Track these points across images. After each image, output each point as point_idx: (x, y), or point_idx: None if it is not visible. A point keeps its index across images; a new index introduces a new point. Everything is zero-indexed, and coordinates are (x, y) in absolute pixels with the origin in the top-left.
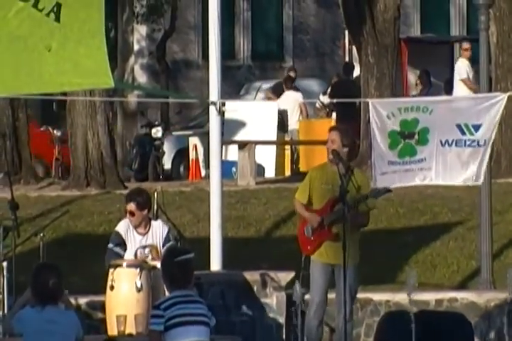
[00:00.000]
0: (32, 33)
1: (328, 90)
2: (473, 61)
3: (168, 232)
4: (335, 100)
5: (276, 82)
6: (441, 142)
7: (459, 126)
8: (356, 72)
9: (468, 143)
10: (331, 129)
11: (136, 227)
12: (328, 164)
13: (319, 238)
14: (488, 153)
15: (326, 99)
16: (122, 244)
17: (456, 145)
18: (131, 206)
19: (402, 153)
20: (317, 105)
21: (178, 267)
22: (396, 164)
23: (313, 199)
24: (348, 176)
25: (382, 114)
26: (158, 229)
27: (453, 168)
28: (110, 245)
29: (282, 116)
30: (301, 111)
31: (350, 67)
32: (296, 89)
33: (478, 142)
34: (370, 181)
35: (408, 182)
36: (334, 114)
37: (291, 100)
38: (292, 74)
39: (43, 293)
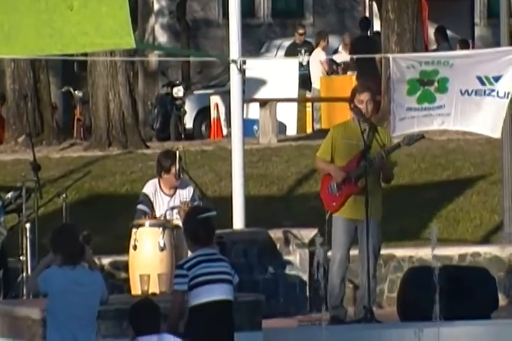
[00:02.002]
0: None
1: (340, 48)
2: (494, 15)
3: (193, 192)
4: (354, 56)
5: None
6: (460, 91)
7: (479, 78)
8: (375, 28)
9: (487, 92)
10: (363, 91)
11: (168, 188)
12: (350, 121)
13: (345, 192)
14: (506, 106)
15: (339, 57)
16: (150, 204)
17: (475, 94)
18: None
19: (421, 99)
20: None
21: (200, 225)
22: (414, 110)
23: (336, 156)
24: (372, 133)
25: (402, 66)
26: (185, 190)
27: (471, 116)
28: (139, 206)
29: (308, 74)
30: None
31: (366, 21)
32: (324, 47)
33: (497, 92)
34: (392, 138)
35: (426, 127)
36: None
37: (316, 59)
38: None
39: (66, 254)
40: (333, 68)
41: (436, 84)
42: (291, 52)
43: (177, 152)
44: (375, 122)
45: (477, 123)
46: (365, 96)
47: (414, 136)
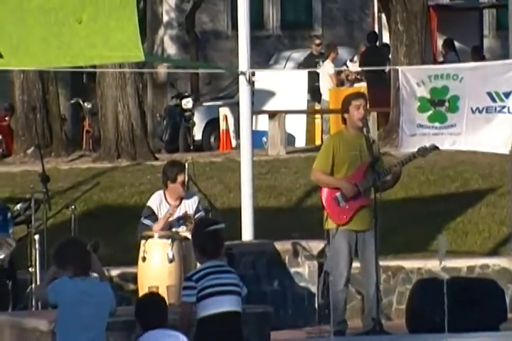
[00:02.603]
0: (63, 6)
1: (355, 58)
2: (502, 27)
3: (198, 203)
4: (365, 68)
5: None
6: (471, 109)
7: (489, 94)
8: (384, 40)
9: (498, 109)
10: (357, 96)
11: (174, 199)
12: (345, 131)
13: (356, 205)
14: None
15: (353, 67)
16: (153, 216)
17: (486, 111)
18: (183, 177)
19: (432, 119)
20: (344, 71)
21: (208, 237)
22: (426, 127)
23: (338, 167)
24: (369, 141)
25: (411, 81)
26: (190, 200)
27: (483, 134)
28: (142, 218)
29: (318, 85)
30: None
31: (374, 34)
32: (333, 59)
33: (508, 109)
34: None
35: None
36: (361, 83)
37: (325, 71)
38: (318, 41)
39: (79, 266)
40: (342, 80)
41: (447, 104)
42: (309, 63)
43: (186, 164)
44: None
45: (488, 142)
46: (361, 102)
47: (429, 146)
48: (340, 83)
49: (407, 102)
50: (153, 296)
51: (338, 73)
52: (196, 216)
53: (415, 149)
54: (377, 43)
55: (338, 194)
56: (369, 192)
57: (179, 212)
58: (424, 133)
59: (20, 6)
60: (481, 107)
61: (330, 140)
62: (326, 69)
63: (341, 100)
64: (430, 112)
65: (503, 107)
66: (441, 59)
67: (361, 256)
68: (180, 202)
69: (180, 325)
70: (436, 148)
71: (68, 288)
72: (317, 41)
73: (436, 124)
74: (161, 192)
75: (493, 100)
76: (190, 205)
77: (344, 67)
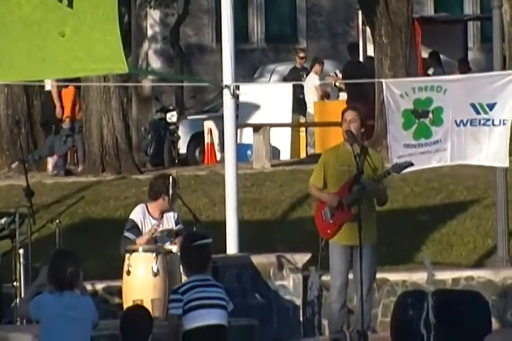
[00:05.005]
0: (45, 19)
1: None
2: (487, 39)
3: (177, 215)
4: (348, 81)
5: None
6: (455, 122)
7: (473, 106)
8: (369, 53)
9: (482, 122)
10: (348, 109)
11: (157, 213)
12: (341, 145)
13: (339, 220)
14: (507, 133)
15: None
16: (136, 229)
17: (471, 124)
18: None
19: (417, 135)
20: (333, 77)
21: (196, 252)
22: (411, 147)
23: (329, 181)
24: (363, 156)
25: (395, 93)
26: (170, 213)
27: (468, 148)
28: (125, 232)
29: (304, 98)
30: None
31: (354, 47)
32: (316, 72)
33: (493, 121)
34: (384, 161)
35: (425, 165)
36: (343, 94)
37: (310, 84)
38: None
39: (61, 279)
40: (327, 92)
41: (430, 115)
42: (294, 76)
43: (174, 177)
44: (366, 145)
45: (476, 155)
46: (348, 115)
47: (403, 163)
48: (325, 94)
49: (392, 119)
50: (139, 309)
51: (325, 85)
52: (176, 228)
53: (404, 170)
54: (358, 55)
55: (325, 208)
56: (356, 207)
57: (162, 226)
58: (410, 154)
59: (2, 19)
60: (465, 120)
61: (323, 155)
62: (311, 82)
63: (326, 113)
64: (414, 127)
65: (487, 120)
66: (430, 70)
67: (353, 270)
68: (163, 215)
69: (168, 337)
70: (411, 164)
71: (50, 303)
72: (301, 54)
73: (422, 141)
74: (143, 205)
75: (477, 112)
76: (170, 218)
77: (332, 73)
